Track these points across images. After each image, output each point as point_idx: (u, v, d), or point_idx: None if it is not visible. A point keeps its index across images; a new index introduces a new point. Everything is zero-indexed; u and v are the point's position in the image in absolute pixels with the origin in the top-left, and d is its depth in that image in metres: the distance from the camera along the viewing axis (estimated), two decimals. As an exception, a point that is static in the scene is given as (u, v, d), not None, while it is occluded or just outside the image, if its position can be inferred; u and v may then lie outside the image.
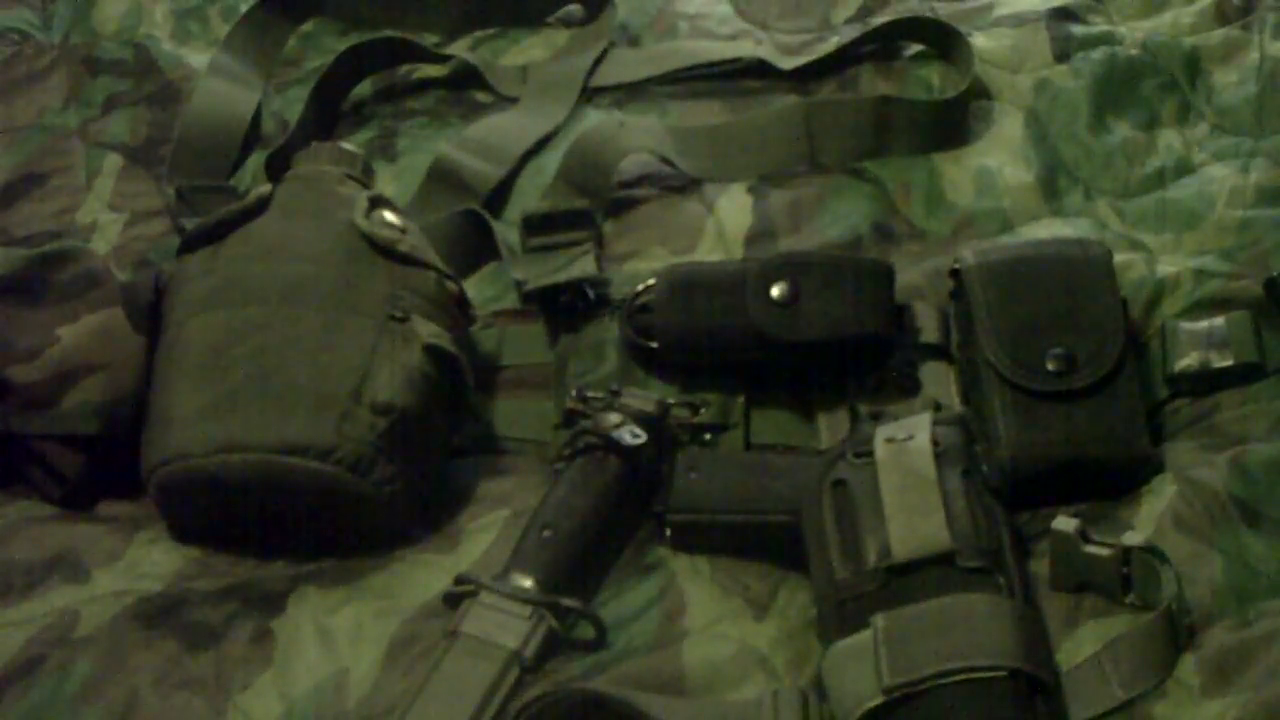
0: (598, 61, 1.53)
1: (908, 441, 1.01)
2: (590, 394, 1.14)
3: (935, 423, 1.04)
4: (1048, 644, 0.96)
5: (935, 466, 1.00)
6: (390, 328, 1.10)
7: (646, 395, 1.14)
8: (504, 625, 1.00)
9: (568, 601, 1.01)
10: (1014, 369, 1.10)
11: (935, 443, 1.01)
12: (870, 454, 1.02)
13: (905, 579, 0.95)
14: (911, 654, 0.91)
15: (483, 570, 1.04)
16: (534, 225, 1.31)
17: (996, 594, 0.95)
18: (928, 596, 0.94)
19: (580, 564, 1.05)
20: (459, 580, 1.03)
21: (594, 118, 1.46)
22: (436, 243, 1.21)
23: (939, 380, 1.17)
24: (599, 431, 1.09)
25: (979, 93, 1.43)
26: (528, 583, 1.02)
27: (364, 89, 1.54)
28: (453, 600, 1.02)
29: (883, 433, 1.03)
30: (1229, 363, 1.13)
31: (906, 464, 1.00)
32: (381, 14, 1.61)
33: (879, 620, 0.93)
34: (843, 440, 1.08)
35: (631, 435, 1.09)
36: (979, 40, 1.48)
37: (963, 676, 0.90)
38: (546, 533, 1.04)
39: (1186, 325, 1.15)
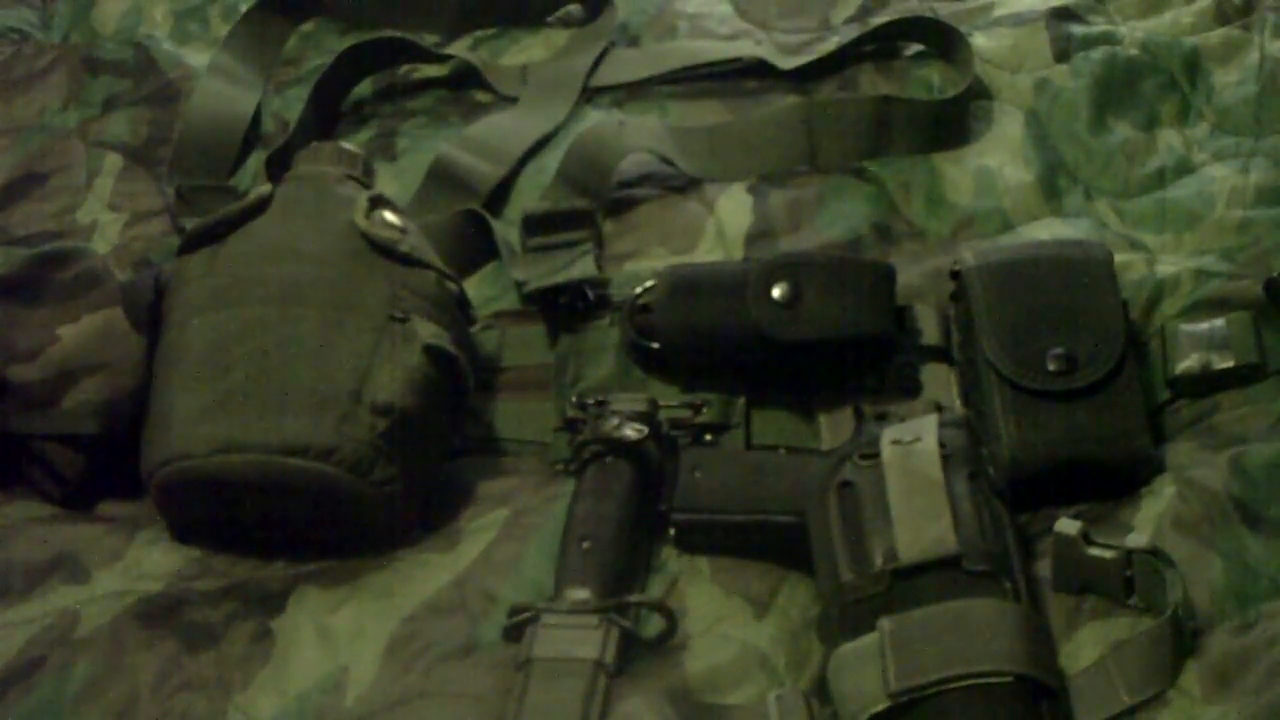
0: (598, 61, 1.53)
1: (914, 444, 1.01)
2: (587, 401, 1.14)
3: (941, 425, 1.03)
4: (1053, 648, 0.96)
5: (942, 469, 1.00)
6: (390, 328, 1.10)
7: (634, 396, 1.14)
8: (577, 639, 0.98)
9: (633, 597, 1.01)
10: (1014, 369, 1.10)
11: (942, 445, 1.01)
12: (876, 456, 1.01)
13: (911, 582, 0.95)
14: (918, 658, 0.90)
15: (484, 575, 1.04)
16: (534, 225, 1.31)
17: (1003, 598, 0.94)
18: (934, 600, 0.93)
19: (625, 566, 1.04)
20: (514, 611, 1.00)
21: (594, 118, 1.46)
22: (436, 243, 1.21)
23: (940, 382, 1.16)
24: (600, 437, 1.09)
25: (979, 93, 1.43)
26: (584, 594, 1.01)
27: (364, 89, 1.54)
28: (513, 633, 1.00)
29: (889, 435, 1.03)
30: (1230, 364, 1.12)
31: (913, 466, 1.00)
32: (381, 14, 1.60)
33: (885, 624, 0.92)
34: (848, 442, 1.08)
35: (634, 430, 1.09)
36: (979, 40, 1.48)
37: (969, 682, 0.90)
38: (586, 544, 1.03)
39: (1187, 327, 1.15)
